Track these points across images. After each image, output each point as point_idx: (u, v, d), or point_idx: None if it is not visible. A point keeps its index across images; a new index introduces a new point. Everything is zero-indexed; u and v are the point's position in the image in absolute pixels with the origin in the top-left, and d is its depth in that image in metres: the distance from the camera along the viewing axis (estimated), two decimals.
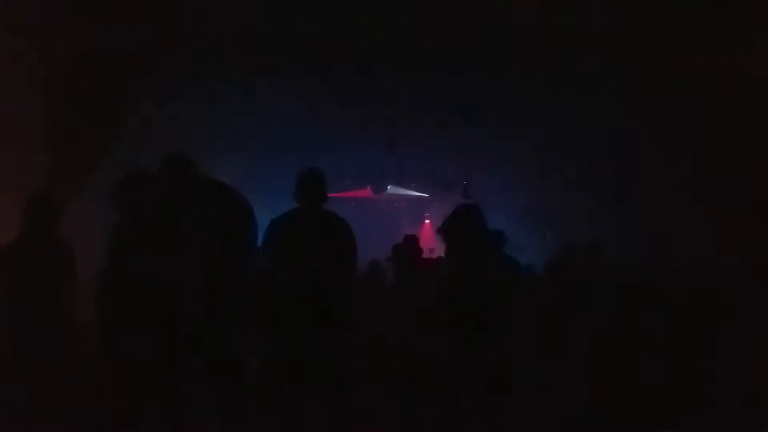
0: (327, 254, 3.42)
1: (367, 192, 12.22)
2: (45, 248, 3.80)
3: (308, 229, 3.46)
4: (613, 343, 4.81)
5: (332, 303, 3.40)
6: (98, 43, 6.02)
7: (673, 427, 3.82)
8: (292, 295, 3.37)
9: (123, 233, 3.13)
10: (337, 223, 3.57)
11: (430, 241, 12.77)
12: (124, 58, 6.27)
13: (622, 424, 3.96)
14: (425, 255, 7.24)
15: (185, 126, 7.04)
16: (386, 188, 12.38)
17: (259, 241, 3.40)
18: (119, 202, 3.20)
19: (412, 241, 5.53)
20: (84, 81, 6.35)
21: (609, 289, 5.38)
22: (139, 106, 6.96)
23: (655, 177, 6.69)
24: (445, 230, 3.64)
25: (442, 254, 4.28)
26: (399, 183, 12.38)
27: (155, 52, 6.24)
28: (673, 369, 4.45)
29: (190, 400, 3.09)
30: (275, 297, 3.44)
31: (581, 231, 6.98)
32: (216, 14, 5.88)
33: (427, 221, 13.95)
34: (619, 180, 7.35)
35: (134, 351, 3.05)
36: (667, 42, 5.24)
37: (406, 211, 13.53)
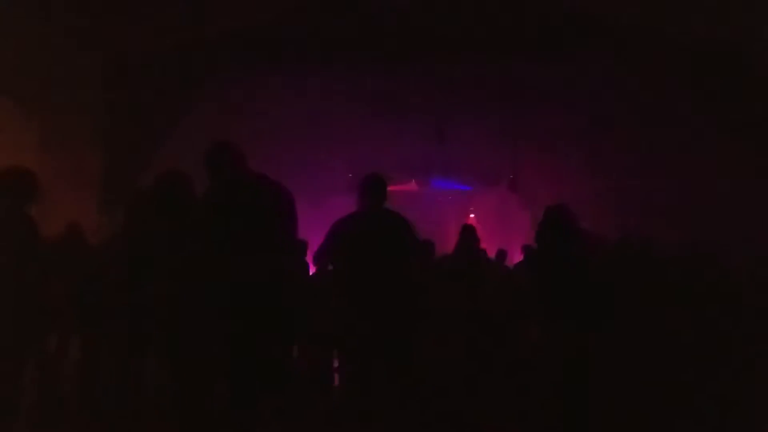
0: (391, 253, 3.50)
1: (411, 185, 12.16)
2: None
3: (372, 229, 3.53)
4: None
5: (399, 298, 3.46)
6: (147, 44, 6.15)
7: None
8: (359, 294, 3.44)
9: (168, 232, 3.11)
10: (399, 222, 3.63)
11: None
12: (174, 57, 6.39)
13: None
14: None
15: (231, 120, 7.12)
16: (431, 182, 12.28)
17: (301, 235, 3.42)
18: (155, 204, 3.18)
19: (471, 232, 5.58)
20: (135, 80, 6.51)
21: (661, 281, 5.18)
22: (188, 104, 7.08)
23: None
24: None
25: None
26: (443, 176, 12.26)
27: (203, 50, 6.34)
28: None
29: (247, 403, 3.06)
30: (342, 297, 3.51)
31: (636, 222, 6.73)
32: (266, 12, 5.94)
33: (471, 215, 13.79)
34: (674, 169, 7.05)
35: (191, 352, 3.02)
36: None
37: (451, 204, 13.38)
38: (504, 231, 12.56)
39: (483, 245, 7.35)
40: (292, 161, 8.86)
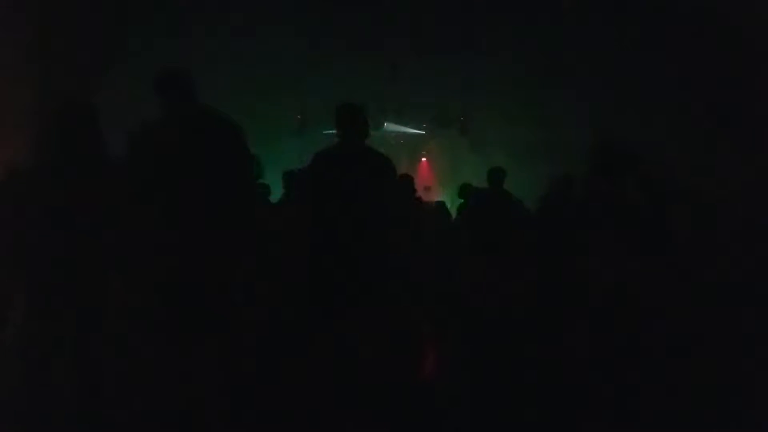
0: (371, 189, 3.42)
1: None
2: None
3: (352, 163, 3.45)
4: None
5: (377, 237, 3.39)
6: None
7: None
8: (335, 230, 3.34)
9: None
10: (380, 158, 3.57)
11: (427, 179, 12.69)
12: None
13: None
14: (422, 193, 7.18)
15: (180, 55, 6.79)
16: (383, 124, 12.14)
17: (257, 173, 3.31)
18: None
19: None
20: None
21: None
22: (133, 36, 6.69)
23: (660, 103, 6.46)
24: None
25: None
26: (396, 119, 12.15)
27: None
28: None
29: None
30: (315, 231, 3.39)
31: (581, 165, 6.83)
32: None
33: (423, 159, 13.77)
34: (623, 112, 7.13)
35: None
36: None
37: (403, 147, 13.32)
38: (455, 173, 12.65)
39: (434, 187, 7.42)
40: (235, 101, 8.55)
